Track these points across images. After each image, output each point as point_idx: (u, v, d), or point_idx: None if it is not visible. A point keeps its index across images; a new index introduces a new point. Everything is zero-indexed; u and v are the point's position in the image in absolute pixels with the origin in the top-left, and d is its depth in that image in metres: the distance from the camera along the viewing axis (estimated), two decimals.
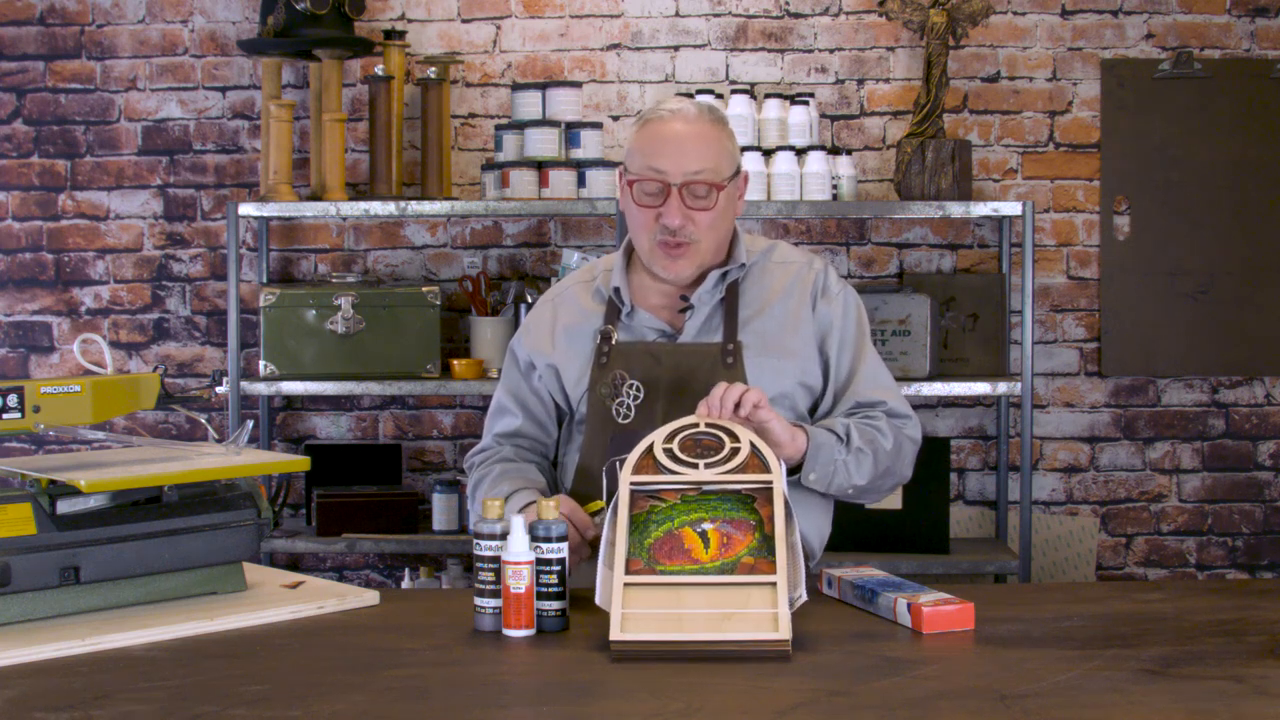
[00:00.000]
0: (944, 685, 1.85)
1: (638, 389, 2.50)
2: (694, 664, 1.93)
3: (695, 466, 2.18)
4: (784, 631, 1.94)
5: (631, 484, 2.16)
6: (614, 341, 2.54)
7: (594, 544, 2.33)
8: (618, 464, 2.21)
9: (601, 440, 2.50)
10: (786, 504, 2.11)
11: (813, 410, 2.57)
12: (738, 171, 2.55)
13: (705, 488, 2.15)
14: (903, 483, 2.60)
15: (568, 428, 2.63)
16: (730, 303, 2.54)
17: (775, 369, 2.51)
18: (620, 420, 2.49)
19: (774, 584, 2.00)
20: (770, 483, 2.14)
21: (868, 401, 2.54)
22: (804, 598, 2.03)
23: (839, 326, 2.57)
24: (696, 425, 2.26)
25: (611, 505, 2.14)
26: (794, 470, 2.40)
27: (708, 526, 2.09)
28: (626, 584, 2.01)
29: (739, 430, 2.24)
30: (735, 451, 2.20)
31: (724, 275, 2.55)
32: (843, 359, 2.56)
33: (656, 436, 2.23)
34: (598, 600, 2.05)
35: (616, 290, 2.57)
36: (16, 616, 2.10)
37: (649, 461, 2.20)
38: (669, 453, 2.20)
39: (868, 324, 2.63)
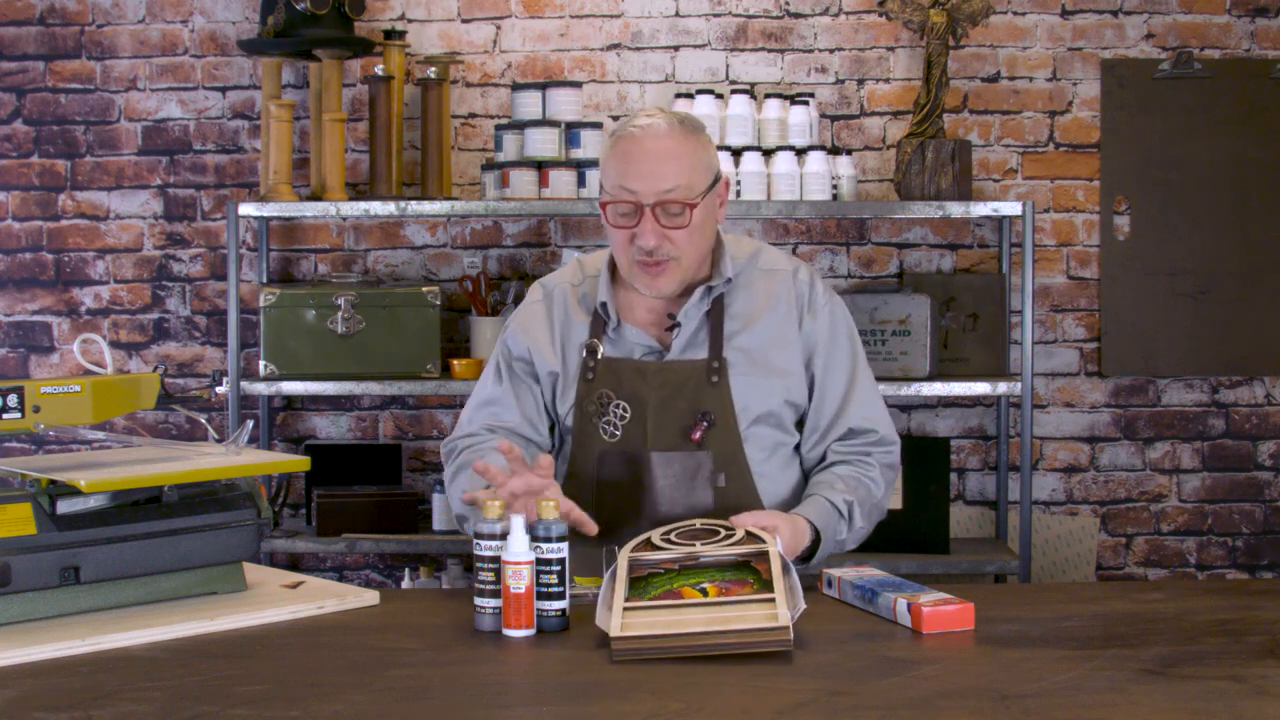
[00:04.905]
0: (944, 685, 1.85)
1: (624, 409, 2.48)
2: (694, 664, 1.93)
3: (693, 546, 2.21)
4: (783, 620, 1.94)
5: (631, 556, 2.19)
6: (600, 356, 2.51)
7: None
8: (615, 548, 2.24)
9: (590, 456, 2.50)
10: (784, 560, 2.14)
11: (799, 422, 2.55)
12: (716, 180, 2.48)
13: (703, 559, 2.18)
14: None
15: (556, 435, 2.60)
16: (715, 317, 2.50)
17: (762, 387, 2.48)
18: (606, 439, 2.48)
19: (772, 599, 2.01)
20: (765, 550, 2.16)
21: (860, 429, 2.53)
22: (804, 607, 2.05)
23: (825, 344, 2.53)
24: (693, 524, 2.31)
25: (610, 571, 2.17)
26: (803, 559, 2.42)
27: (707, 585, 2.12)
28: (626, 608, 2.03)
29: (734, 522, 2.29)
30: (731, 535, 2.25)
31: (709, 289, 2.50)
32: (832, 380, 2.53)
33: (654, 532, 2.29)
34: (597, 621, 2.06)
35: (604, 305, 2.53)
36: (16, 616, 2.10)
37: (647, 547, 2.24)
38: (667, 539, 2.25)
39: (857, 336, 2.59)
